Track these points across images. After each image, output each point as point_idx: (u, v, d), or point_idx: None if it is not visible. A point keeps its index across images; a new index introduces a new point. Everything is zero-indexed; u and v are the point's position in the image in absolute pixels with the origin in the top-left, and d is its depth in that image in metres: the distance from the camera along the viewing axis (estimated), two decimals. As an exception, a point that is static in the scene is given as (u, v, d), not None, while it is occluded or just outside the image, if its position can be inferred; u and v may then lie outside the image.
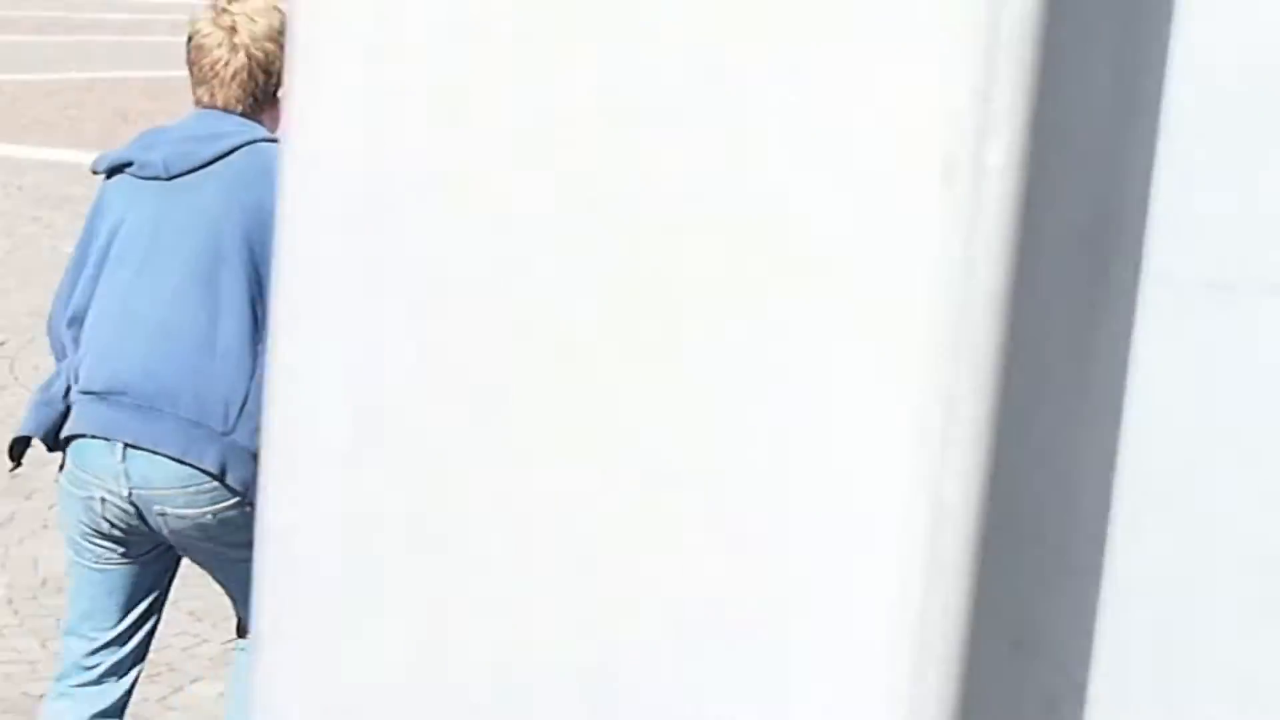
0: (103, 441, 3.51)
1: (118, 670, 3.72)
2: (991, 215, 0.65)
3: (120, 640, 3.71)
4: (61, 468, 3.62)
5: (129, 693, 3.76)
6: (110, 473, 3.51)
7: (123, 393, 3.49)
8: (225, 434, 3.46)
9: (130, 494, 3.51)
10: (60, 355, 3.68)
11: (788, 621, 0.69)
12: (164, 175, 3.56)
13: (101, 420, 3.51)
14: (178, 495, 3.50)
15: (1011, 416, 0.66)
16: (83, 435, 3.54)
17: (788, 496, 0.68)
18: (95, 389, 3.52)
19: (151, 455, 3.48)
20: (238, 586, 3.73)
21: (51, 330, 3.73)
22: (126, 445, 3.49)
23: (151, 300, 3.50)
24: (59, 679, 3.74)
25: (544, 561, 0.73)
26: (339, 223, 0.76)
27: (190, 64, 3.70)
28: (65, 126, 13.40)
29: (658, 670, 0.71)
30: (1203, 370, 0.69)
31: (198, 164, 3.56)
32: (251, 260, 3.49)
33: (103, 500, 3.53)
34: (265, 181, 3.48)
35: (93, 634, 3.70)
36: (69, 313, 3.63)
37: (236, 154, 3.56)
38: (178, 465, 3.47)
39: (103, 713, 3.71)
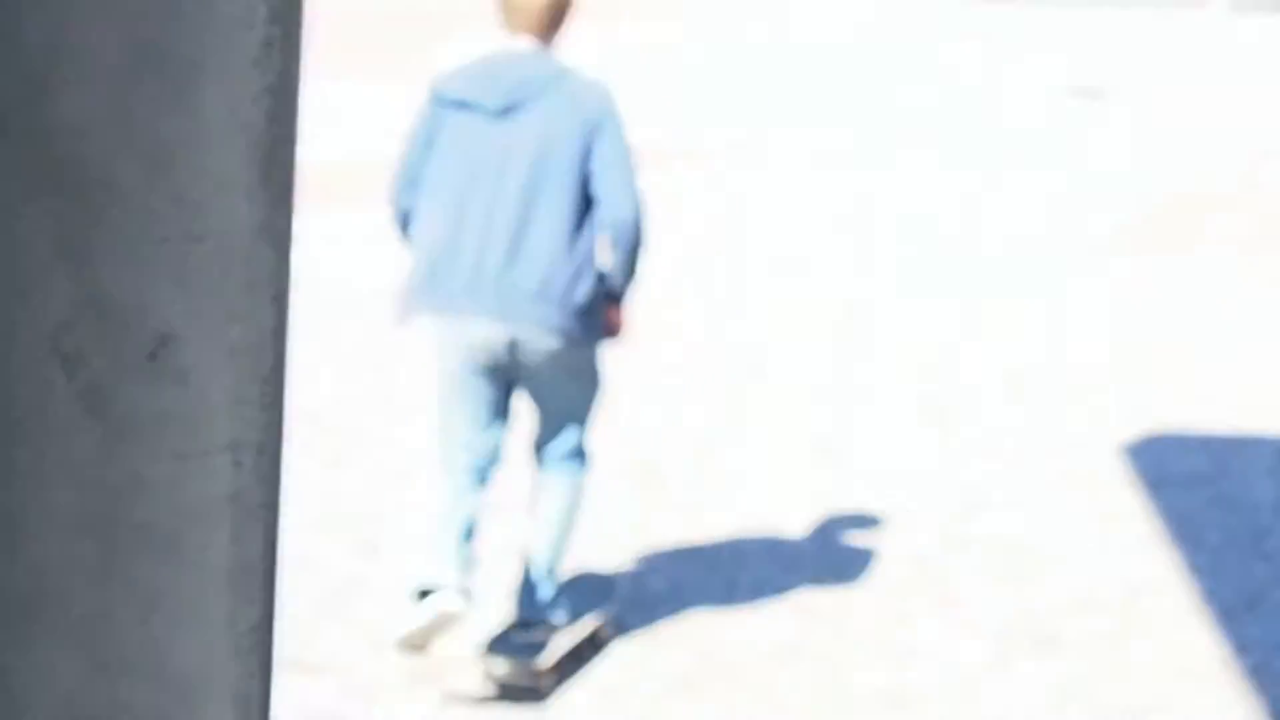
0: None
1: None
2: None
3: (490, 453, 5.29)
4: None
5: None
6: None
7: (475, 279, 5.11)
8: None
9: None
10: (403, 219, 5.24)
11: None
12: (495, 108, 5.07)
13: None
14: None
15: None
16: None
17: None
18: None
19: None
20: (566, 412, 5.25)
21: None
22: None
23: (509, 215, 5.10)
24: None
25: None
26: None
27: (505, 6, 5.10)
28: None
29: None
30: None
31: (527, 95, 5.10)
32: (585, 164, 5.14)
33: None
34: (587, 106, 5.14)
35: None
36: None
37: (566, 89, 5.13)
38: None
39: None
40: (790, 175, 12.31)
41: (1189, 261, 10.74)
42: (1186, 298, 10.06)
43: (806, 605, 5.72)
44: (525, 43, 5.06)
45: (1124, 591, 5.92)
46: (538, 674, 5.12)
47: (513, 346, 5.02)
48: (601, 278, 5.06)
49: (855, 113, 14.51)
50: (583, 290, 5.01)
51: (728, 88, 15.34)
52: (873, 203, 11.67)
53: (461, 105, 5.04)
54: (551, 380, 5.12)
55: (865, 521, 6.50)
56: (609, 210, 4.99)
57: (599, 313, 5.10)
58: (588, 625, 5.39)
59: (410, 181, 5.10)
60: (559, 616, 5.26)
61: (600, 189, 4.99)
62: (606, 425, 7.43)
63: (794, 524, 6.45)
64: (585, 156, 4.98)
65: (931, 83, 16.04)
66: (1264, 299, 10.09)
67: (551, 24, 5.05)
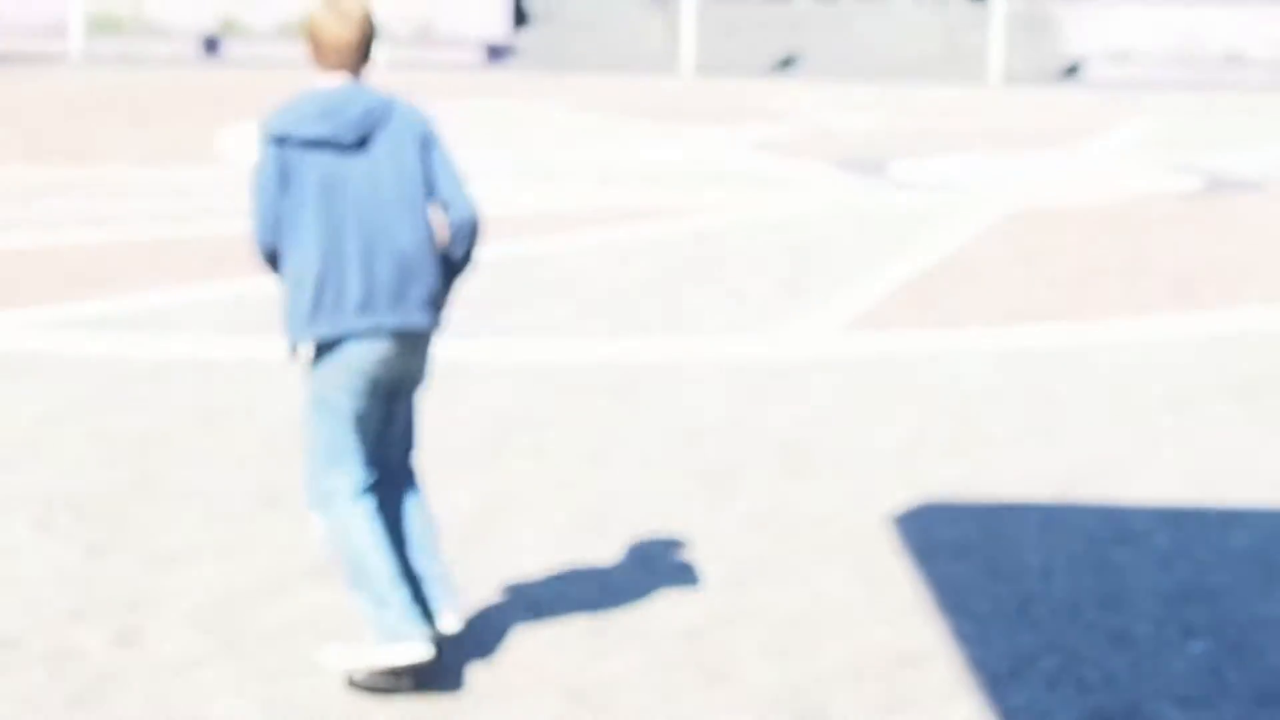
0: None
1: None
2: None
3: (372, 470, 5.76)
4: None
5: None
6: None
7: (366, 303, 5.62)
8: None
9: None
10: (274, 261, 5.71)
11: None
12: (347, 141, 5.58)
13: None
14: None
15: None
16: None
17: None
18: None
19: None
20: (412, 418, 5.85)
21: None
22: None
23: (387, 234, 5.66)
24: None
25: None
26: None
27: (318, 43, 5.64)
28: None
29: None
30: None
31: (371, 127, 5.64)
32: (426, 178, 5.72)
33: None
34: (419, 130, 5.72)
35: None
36: None
37: (390, 117, 5.71)
38: None
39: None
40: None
41: (953, 329, 10.87)
42: (950, 366, 10.18)
43: (572, 684, 5.65)
44: (344, 78, 5.63)
45: (892, 661, 5.93)
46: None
47: (406, 356, 5.60)
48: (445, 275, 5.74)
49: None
50: (442, 290, 5.71)
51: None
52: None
53: (314, 144, 5.53)
54: (416, 385, 5.74)
55: (633, 595, 6.46)
56: (456, 212, 5.64)
57: (444, 309, 5.77)
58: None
59: (273, 222, 5.54)
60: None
61: (444, 195, 5.65)
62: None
63: (560, 598, 6.39)
64: (425, 169, 5.63)
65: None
66: (1029, 366, 10.23)
67: (363, 58, 5.65)
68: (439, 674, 5.66)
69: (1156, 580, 6.84)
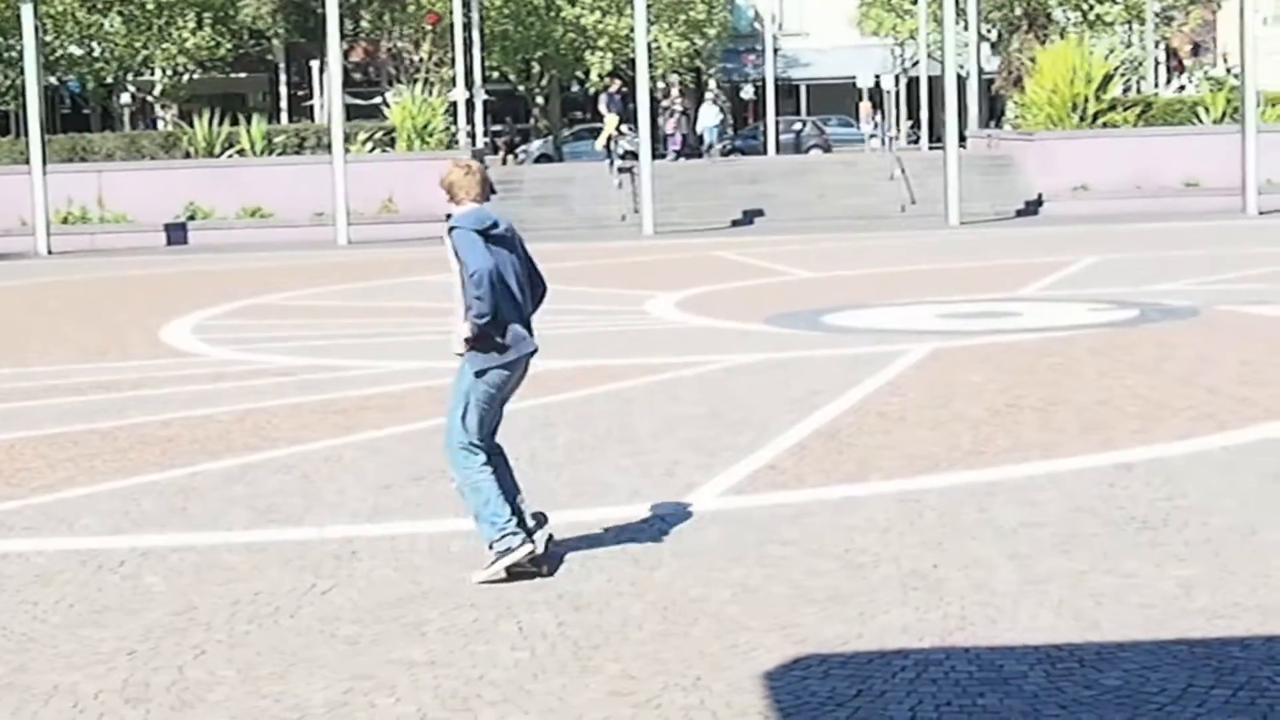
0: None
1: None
2: None
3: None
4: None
5: None
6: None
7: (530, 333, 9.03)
8: None
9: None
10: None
11: None
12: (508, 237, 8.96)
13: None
14: None
15: None
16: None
17: None
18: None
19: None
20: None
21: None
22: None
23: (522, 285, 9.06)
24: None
25: None
26: None
27: (456, 188, 9.00)
28: None
29: None
30: None
31: (512, 231, 9.05)
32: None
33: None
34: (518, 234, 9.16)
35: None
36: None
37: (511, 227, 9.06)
38: None
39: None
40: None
41: (853, 479, 10.87)
42: (845, 516, 10.19)
43: None
44: (478, 204, 8.96)
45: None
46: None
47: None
48: None
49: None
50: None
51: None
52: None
53: (494, 238, 8.87)
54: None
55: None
56: (538, 285, 9.24)
57: None
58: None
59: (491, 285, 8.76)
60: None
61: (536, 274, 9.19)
62: None
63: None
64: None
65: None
66: (925, 513, 10.24)
67: (486, 191, 9.08)
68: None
69: (1010, 725, 6.84)
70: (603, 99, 46.58)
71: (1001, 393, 14.22)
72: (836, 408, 13.76)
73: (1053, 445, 12.09)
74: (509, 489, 9.10)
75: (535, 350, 9.07)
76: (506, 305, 8.84)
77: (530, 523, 9.12)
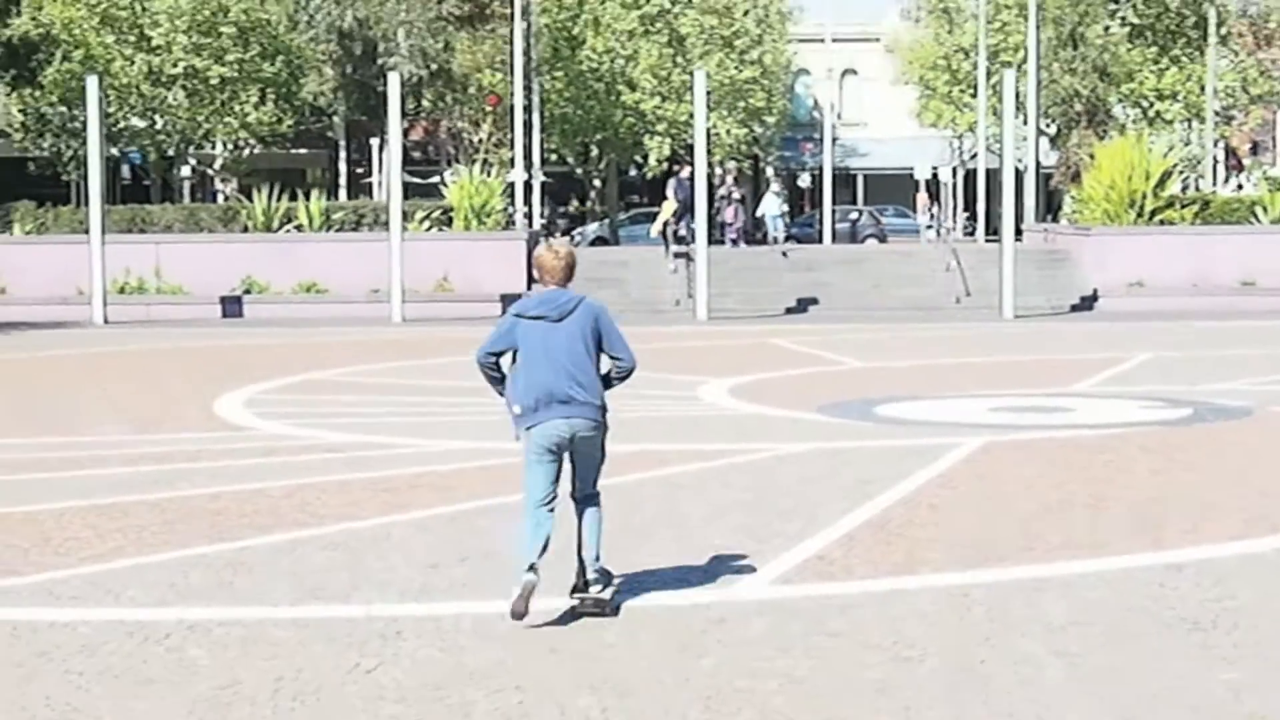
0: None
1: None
2: None
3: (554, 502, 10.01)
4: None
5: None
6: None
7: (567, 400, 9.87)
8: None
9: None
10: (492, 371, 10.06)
11: None
12: (554, 317, 9.90)
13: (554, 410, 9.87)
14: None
15: None
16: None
17: None
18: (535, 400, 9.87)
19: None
20: (591, 470, 10.10)
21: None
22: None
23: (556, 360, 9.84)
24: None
25: None
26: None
27: (541, 269, 10.04)
28: None
29: None
30: None
31: (569, 311, 9.91)
32: (596, 339, 9.93)
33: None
34: (597, 312, 9.99)
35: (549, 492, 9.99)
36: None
37: (580, 305, 9.93)
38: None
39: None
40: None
41: (902, 572, 10.82)
42: (892, 609, 10.13)
43: None
44: (556, 286, 10.03)
45: None
46: (604, 603, 10.09)
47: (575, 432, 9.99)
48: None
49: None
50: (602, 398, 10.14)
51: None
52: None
53: (535, 318, 9.93)
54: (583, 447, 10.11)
55: None
56: (622, 361, 10.12)
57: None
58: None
59: (496, 354, 10.02)
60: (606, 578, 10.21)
61: (613, 350, 10.04)
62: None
63: None
64: (599, 334, 9.98)
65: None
66: (972, 609, 10.18)
67: (568, 277, 10.06)
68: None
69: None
70: (671, 183, 46.65)
71: (1052, 488, 14.16)
72: (887, 499, 13.72)
73: (1103, 543, 12.03)
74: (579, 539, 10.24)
75: (569, 417, 9.84)
76: (529, 377, 9.87)
77: (591, 576, 10.15)
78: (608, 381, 10.05)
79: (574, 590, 10.13)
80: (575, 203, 74.72)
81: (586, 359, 9.88)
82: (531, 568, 9.79)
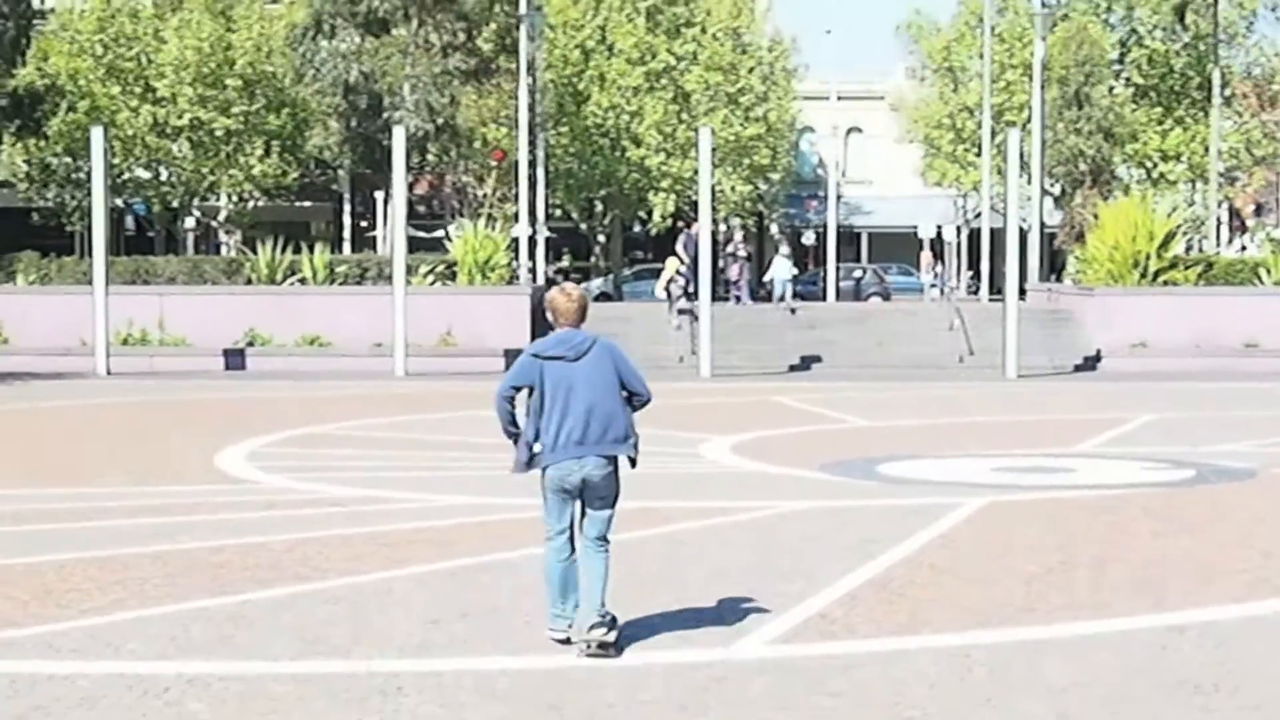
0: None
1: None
2: None
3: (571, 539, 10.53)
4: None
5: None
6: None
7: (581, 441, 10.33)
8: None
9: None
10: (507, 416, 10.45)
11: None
12: (571, 357, 10.34)
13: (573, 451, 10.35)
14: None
15: None
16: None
17: None
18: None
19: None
20: (604, 509, 10.49)
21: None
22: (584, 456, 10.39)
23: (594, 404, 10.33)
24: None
25: None
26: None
27: (555, 311, 10.46)
28: None
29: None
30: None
31: (585, 350, 10.35)
32: (618, 376, 10.41)
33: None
34: (611, 350, 10.48)
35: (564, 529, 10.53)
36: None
37: (595, 344, 10.37)
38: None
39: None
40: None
41: (904, 633, 10.81)
42: (894, 670, 10.12)
43: None
44: (571, 327, 10.46)
45: None
46: (608, 645, 10.35)
47: (592, 469, 10.44)
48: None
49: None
50: (628, 432, 10.64)
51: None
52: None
53: (552, 358, 10.34)
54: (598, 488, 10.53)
55: None
56: (639, 396, 10.59)
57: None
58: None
59: (516, 389, 10.41)
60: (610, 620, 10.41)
61: (630, 385, 10.49)
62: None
63: None
64: (617, 371, 10.44)
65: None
66: (972, 671, 10.16)
67: (581, 318, 10.48)
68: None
69: None
70: (681, 238, 46.59)
71: (1054, 550, 14.16)
72: (889, 558, 13.72)
73: (1105, 604, 12.02)
74: (582, 583, 10.56)
75: (581, 457, 10.32)
76: (551, 416, 10.33)
77: (595, 619, 10.41)
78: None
79: (578, 632, 10.43)
80: (568, 257, 74.36)
81: (611, 394, 10.39)
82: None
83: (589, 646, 10.34)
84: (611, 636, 10.39)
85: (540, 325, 39.67)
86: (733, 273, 53.15)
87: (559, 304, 10.47)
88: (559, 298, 10.50)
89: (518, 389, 10.40)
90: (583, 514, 10.54)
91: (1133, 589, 12.58)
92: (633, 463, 10.62)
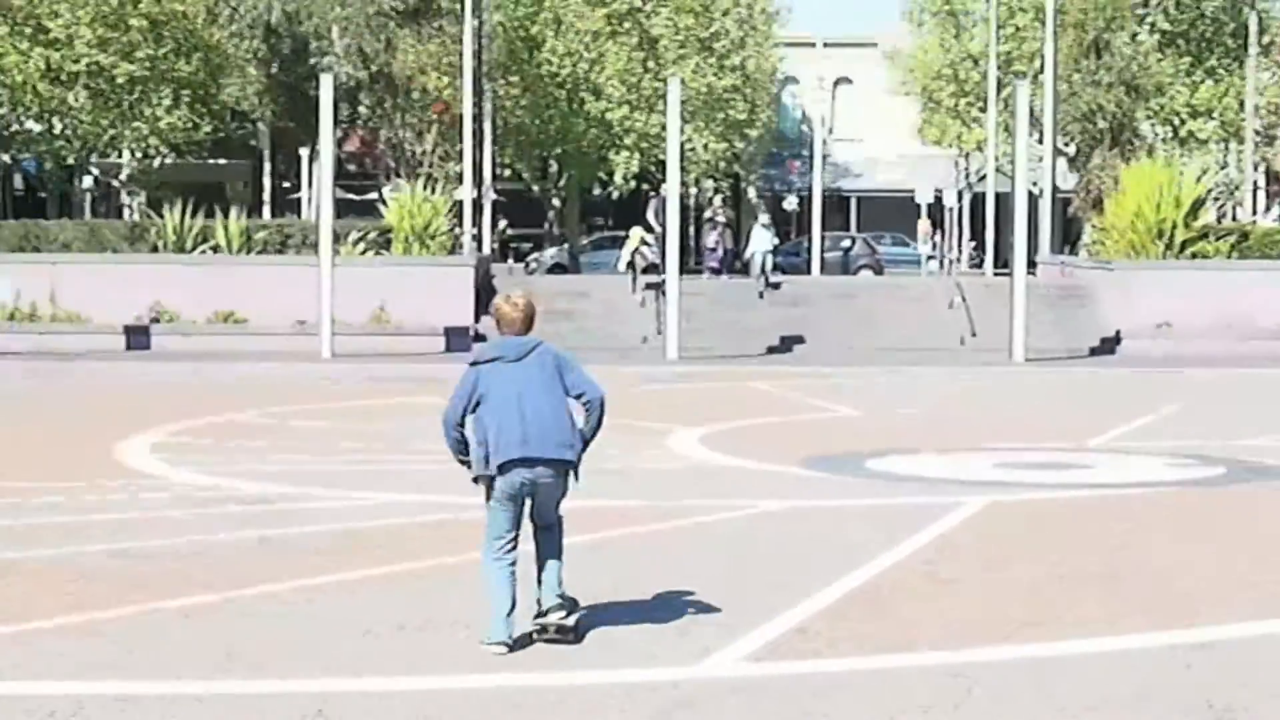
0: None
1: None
2: None
3: (515, 541, 10.94)
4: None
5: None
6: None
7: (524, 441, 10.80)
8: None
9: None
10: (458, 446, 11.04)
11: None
12: (511, 358, 10.92)
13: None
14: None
15: None
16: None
17: None
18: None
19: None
20: (551, 504, 11.05)
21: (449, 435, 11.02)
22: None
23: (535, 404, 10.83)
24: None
25: None
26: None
27: (500, 319, 11.14)
28: None
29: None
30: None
31: (526, 352, 10.96)
32: (561, 379, 10.96)
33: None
34: (554, 353, 11.06)
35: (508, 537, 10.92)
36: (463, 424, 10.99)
37: (538, 346, 10.99)
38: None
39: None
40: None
41: (895, 650, 10.86)
42: (885, 692, 10.17)
43: None
44: (515, 334, 11.04)
45: None
46: (567, 629, 10.93)
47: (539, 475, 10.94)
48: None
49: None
50: (578, 442, 11.16)
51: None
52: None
53: (490, 360, 10.94)
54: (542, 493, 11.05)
55: None
56: (587, 395, 11.01)
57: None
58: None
59: (463, 410, 10.89)
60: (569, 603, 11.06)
61: (576, 387, 10.99)
62: None
63: None
64: (560, 374, 10.94)
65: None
66: (974, 693, 10.23)
67: (527, 327, 11.06)
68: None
69: None
70: (653, 203, 46.31)
71: (1064, 557, 14.25)
72: (877, 565, 13.79)
73: (1118, 618, 12.10)
74: (536, 567, 11.15)
75: (532, 467, 10.82)
76: (494, 418, 10.84)
77: (554, 602, 11.04)
78: (583, 439, 11.08)
79: (536, 616, 11.00)
80: (504, 222, 74.27)
81: (553, 396, 10.91)
82: (509, 640, 10.83)
83: (547, 631, 10.88)
84: (571, 620, 10.93)
85: (486, 299, 39.66)
86: (709, 240, 52.99)
87: (504, 312, 11.14)
88: (504, 306, 11.16)
89: (465, 412, 10.92)
90: (532, 509, 11.08)
91: (1149, 602, 12.67)
92: (576, 474, 11.08)
